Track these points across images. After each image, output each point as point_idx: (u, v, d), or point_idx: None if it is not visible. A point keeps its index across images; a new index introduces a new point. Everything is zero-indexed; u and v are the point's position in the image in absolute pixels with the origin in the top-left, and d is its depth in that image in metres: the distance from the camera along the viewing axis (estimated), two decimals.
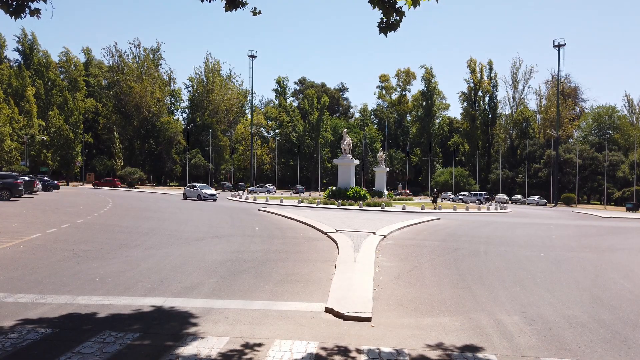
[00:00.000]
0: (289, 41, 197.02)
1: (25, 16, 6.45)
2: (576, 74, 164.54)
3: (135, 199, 38.89)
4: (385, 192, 54.63)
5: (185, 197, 43.19)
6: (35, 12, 6.52)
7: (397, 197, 56.55)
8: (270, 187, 73.17)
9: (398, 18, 6.50)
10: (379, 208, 35.92)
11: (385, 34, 6.69)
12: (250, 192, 64.53)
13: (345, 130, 48.86)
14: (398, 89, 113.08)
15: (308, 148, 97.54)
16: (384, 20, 6.56)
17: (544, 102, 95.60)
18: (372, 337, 5.91)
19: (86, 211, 23.20)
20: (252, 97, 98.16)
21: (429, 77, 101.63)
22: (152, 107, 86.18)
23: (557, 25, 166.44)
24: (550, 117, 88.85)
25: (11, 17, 6.38)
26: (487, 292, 8.82)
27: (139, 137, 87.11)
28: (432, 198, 48.14)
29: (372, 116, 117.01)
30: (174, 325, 6.10)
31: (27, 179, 33.83)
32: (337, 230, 17.59)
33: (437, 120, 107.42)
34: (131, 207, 28.31)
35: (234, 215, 25.11)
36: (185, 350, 5.17)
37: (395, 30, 6.63)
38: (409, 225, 22.04)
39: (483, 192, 70.43)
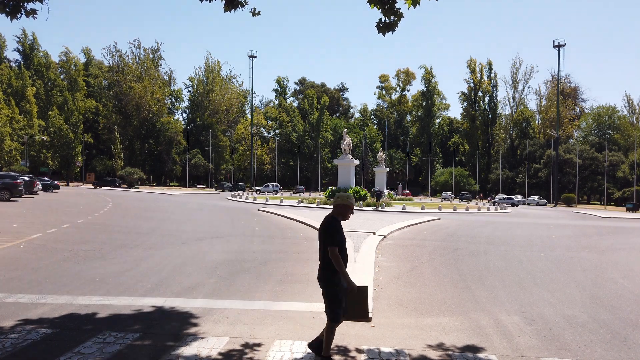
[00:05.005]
0: (289, 41, 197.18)
1: (20, 16, 6.46)
2: (576, 74, 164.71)
3: (135, 199, 38.89)
4: (386, 192, 54.59)
5: None
6: (31, 13, 6.53)
7: (397, 197, 56.59)
8: (273, 185, 72.22)
9: (396, 18, 6.52)
10: (380, 208, 35.92)
11: (384, 34, 6.70)
12: (257, 192, 64.03)
13: (345, 130, 48.85)
14: (398, 89, 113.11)
15: (308, 148, 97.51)
16: (383, 20, 6.57)
17: (544, 102, 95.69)
18: (372, 337, 5.91)
19: (86, 211, 23.19)
20: (252, 97, 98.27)
21: (428, 77, 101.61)
22: (152, 107, 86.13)
23: (557, 25, 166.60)
24: (550, 117, 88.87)
25: (7, 17, 6.40)
26: (487, 292, 8.82)
27: (139, 137, 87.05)
28: (375, 197, 40.80)
29: (372, 116, 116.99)
30: (174, 326, 6.10)
31: (27, 179, 33.84)
32: None
33: (437, 121, 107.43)
34: (131, 207, 28.31)
35: (234, 215, 25.10)
36: (185, 351, 5.17)
37: (393, 31, 6.64)
38: (409, 226, 22.05)
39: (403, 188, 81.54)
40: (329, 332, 4.90)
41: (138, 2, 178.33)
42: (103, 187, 64.16)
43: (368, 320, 5.01)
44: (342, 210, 5.01)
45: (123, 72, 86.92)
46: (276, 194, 62.94)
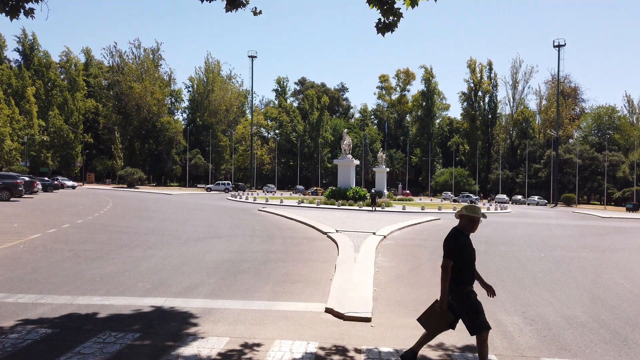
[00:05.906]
0: (289, 41, 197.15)
1: (20, 16, 6.46)
2: (576, 74, 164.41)
3: (135, 199, 38.88)
4: (386, 192, 54.60)
5: None
6: (29, 12, 6.53)
7: (397, 197, 56.62)
8: (224, 182, 71.11)
9: (395, 18, 6.50)
10: (379, 208, 35.91)
11: (383, 34, 6.69)
12: (208, 190, 64.04)
13: (345, 130, 48.85)
14: (398, 89, 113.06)
15: (308, 148, 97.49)
16: (382, 20, 6.56)
17: (544, 102, 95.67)
18: (372, 337, 5.91)
19: (86, 211, 23.19)
20: (252, 97, 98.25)
21: (428, 77, 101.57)
22: (152, 107, 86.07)
23: (557, 25, 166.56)
24: (550, 117, 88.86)
25: (6, 16, 6.40)
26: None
27: (139, 137, 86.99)
28: (370, 199, 36.68)
29: (372, 116, 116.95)
30: (174, 326, 6.10)
31: (27, 179, 33.86)
32: (337, 231, 17.59)
33: (437, 121, 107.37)
34: (131, 207, 28.31)
35: (234, 215, 25.10)
36: (185, 351, 5.17)
37: (392, 31, 6.63)
38: (409, 226, 22.04)
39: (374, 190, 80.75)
40: (481, 345, 4.67)
41: (138, 2, 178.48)
42: None
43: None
44: (465, 222, 4.85)
45: (123, 72, 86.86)
46: (227, 192, 63.49)
